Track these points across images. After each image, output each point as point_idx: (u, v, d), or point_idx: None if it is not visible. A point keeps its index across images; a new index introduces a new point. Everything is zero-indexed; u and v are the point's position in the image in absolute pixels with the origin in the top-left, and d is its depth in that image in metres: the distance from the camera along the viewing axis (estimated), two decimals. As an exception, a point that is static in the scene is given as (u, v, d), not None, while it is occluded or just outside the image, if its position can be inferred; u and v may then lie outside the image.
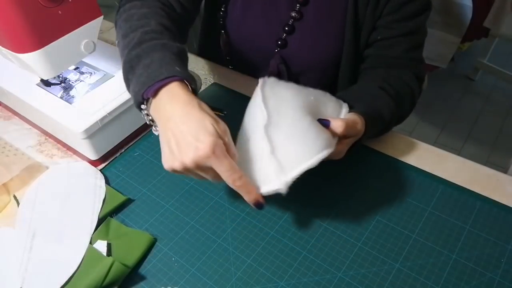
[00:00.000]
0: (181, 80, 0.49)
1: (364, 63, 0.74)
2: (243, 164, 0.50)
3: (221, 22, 0.79)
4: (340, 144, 0.54)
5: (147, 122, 0.53)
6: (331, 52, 0.74)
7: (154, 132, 0.54)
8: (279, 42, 0.74)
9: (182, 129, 0.45)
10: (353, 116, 0.55)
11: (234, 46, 0.80)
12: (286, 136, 0.48)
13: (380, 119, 0.60)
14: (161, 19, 0.59)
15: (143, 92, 0.49)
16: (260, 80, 0.53)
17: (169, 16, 0.63)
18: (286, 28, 0.73)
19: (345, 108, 0.57)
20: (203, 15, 0.86)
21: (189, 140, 0.45)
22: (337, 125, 0.52)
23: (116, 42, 0.61)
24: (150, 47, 0.52)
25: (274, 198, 0.59)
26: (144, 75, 0.50)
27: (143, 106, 0.51)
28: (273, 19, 0.74)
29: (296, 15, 0.72)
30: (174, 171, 0.47)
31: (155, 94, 0.49)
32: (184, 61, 0.55)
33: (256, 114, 0.50)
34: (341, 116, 0.56)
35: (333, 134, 0.52)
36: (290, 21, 0.73)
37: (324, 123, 0.52)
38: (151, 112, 0.51)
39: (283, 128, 0.49)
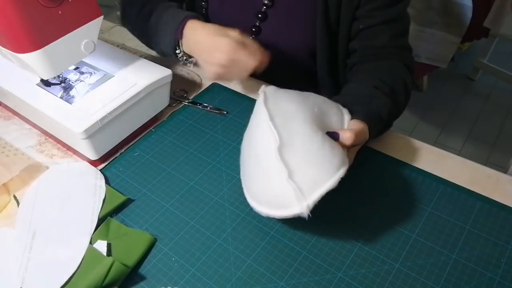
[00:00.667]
0: (192, 17, 0.70)
1: (352, 57, 0.74)
2: (255, 185, 0.50)
3: (204, 12, 0.82)
4: (348, 153, 0.54)
5: (182, 62, 0.74)
6: (303, 42, 0.76)
7: (189, 66, 0.76)
8: (253, 29, 0.77)
9: (208, 43, 0.66)
10: (358, 124, 0.55)
11: None
12: (302, 157, 0.48)
13: (380, 121, 0.60)
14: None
15: (173, 38, 0.70)
16: (261, 93, 0.53)
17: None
18: (259, 15, 0.75)
19: (346, 114, 0.57)
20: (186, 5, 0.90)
21: (214, 46, 0.64)
22: (347, 137, 0.52)
23: (129, 27, 0.82)
24: (159, 13, 0.72)
25: (274, 198, 0.59)
26: (167, 30, 0.70)
27: (177, 51, 0.71)
28: (248, 7, 0.76)
29: (268, 2, 0.74)
30: (219, 76, 0.67)
31: (181, 35, 0.69)
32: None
33: (265, 135, 0.49)
34: (344, 124, 0.56)
35: (342, 145, 0.52)
36: (263, 8, 0.75)
37: (334, 136, 0.51)
38: (185, 49, 0.71)
39: (297, 148, 0.48)
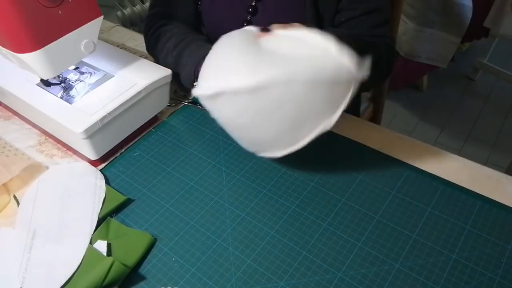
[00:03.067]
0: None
1: None
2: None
3: (199, 9, 0.84)
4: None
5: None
6: None
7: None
8: (244, 24, 0.77)
9: None
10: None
11: (208, 34, 0.85)
12: None
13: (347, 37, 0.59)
14: (181, 27, 0.77)
15: (193, 71, 0.68)
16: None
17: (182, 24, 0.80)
18: (250, 10, 0.77)
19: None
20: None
21: None
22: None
23: (155, 54, 0.79)
24: (185, 45, 0.72)
25: (274, 198, 0.59)
26: (189, 62, 0.69)
27: (195, 84, 0.64)
28: (238, 4, 0.78)
29: None
30: None
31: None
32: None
33: None
34: None
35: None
36: (253, 2, 0.76)
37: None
38: None
39: None
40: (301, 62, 0.49)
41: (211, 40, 0.86)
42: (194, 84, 0.66)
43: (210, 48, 0.63)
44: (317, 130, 0.53)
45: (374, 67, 0.61)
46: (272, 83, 0.49)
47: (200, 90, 0.55)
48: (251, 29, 0.57)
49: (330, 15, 0.73)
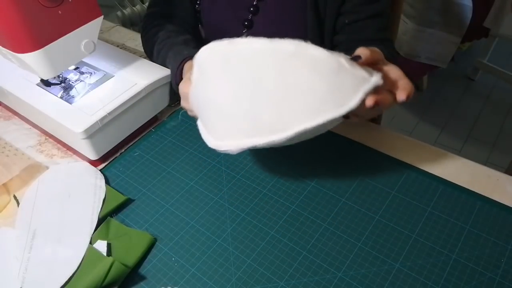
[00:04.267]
0: (189, 58, 0.66)
1: (337, 50, 0.75)
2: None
3: (199, 15, 0.84)
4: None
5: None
6: (295, 35, 0.76)
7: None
8: (246, 23, 0.78)
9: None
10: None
11: (207, 35, 0.86)
12: None
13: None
14: (167, 29, 0.76)
15: (174, 79, 0.68)
16: None
17: (177, 24, 0.79)
18: (251, 9, 0.77)
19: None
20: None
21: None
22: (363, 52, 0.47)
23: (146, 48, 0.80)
24: (165, 51, 0.72)
25: (274, 198, 0.59)
26: (172, 68, 0.69)
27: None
28: (239, 3, 0.78)
29: None
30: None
31: (180, 77, 0.67)
32: (189, 45, 0.72)
33: None
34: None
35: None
36: (254, 2, 0.76)
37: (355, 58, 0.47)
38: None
39: None
40: (323, 98, 0.44)
41: (212, 37, 0.86)
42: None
43: (187, 52, 0.67)
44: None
45: None
46: (301, 128, 0.45)
47: (222, 146, 0.50)
48: (221, 47, 0.49)
49: (331, 17, 0.73)
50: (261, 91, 0.46)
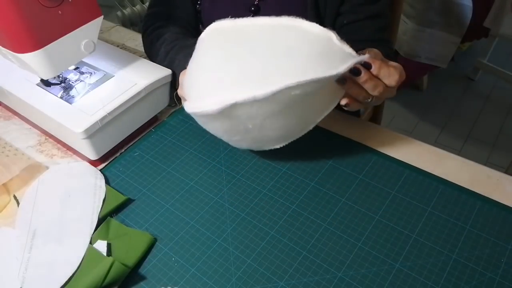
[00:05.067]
0: None
1: None
2: None
3: (200, 15, 0.84)
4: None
5: None
6: None
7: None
8: None
9: None
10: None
11: None
12: None
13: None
14: (173, 31, 0.76)
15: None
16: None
17: (179, 25, 0.79)
18: (252, 8, 0.77)
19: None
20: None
21: None
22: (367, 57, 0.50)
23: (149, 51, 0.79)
24: (174, 53, 0.71)
25: (274, 198, 0.59)
26: (178, 73, 0.66)
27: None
28: (239, 4, 0.79)
29: None
30: None
31: None
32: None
33: None
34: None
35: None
36: (255, 1, 0.77)
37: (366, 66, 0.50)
38: None
39: None
40: (310, 61, 0.48)
41: None
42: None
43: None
44: (321, 117, 0.54)
45: None
46: (286, 90, 0.47)
47: (201, 107, 0.52)
48: (222, 25, 0.53)
49: (331, 16, 0.74)
50: (251, 55, 0.49)
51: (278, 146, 0.58)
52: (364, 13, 0.71)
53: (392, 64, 0.53)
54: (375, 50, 0.54)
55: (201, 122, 0.58)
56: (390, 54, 0.73)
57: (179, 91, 0.62)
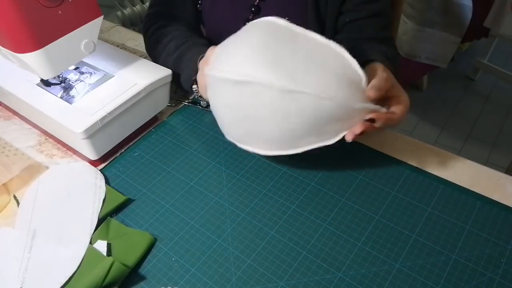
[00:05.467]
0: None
1: None
2: None
3: (200, 15, 0.84)
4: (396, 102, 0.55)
5: (196, 97, 0.72)
6: None
7: (202, 103, 0.75)
8: (247, 23, 0.77)
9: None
10: (374, 70, 0.56)
11: (209, 35, 0.86)
12: None
13: (386, 57, 0.63)
14: (181, 29, 0.77)
15: (193, 76, 0.68)
16: None
17: (181, 24, 0.80)
18: (252, 9, 0.77)
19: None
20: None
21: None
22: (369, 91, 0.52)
23: (151, 52, 0.80)
24: (186, 48, 0.72)
25: (274, 198, 0.59)
26: (189, 66, 0.69)
27: (194, 87, 0.70)
28: (240, 3, 0.78)
29: None
30: None
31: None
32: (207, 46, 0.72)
33: None
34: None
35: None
36: (256, 2, 0.77)
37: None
38: (199, 89, 0.68)
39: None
40: (337, 82, 0.50)
41: (212, 41, 0.87)
42: (193, 88, 0.69)
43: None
44: (315, 145, 0.54)
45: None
46: (305, 93, 0.49)
47: (221, 72, 0.54)
48: (278, 21, 0.56)
49: (332, 15, 0.74)
50: (290, 54, 0.52)
51: (259, 151, 0.57)
52: (367, 11, 0.71)
53: (401, 100, 0.56)
54: (385, 75, 0.55)
55: (211, 91, 0.58)
56: (394, 53, 0.73)
57: (201, 63, 0.65)
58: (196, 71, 0.67)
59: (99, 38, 0.64)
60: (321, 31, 0.76)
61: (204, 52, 0.66)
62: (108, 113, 0.61)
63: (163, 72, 0.69)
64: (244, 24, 0.79)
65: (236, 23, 0.80)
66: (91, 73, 0.70)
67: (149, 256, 0.54)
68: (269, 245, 0.54)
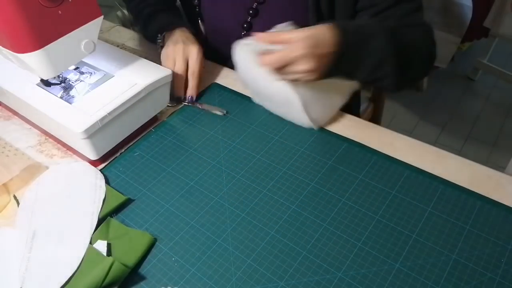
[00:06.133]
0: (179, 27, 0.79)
1: None
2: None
3: (197, 10, 0.85)
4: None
5: (158, 46, 0.81)
6: None
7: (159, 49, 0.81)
8: (245, 25, 0.79)
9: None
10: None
11: (207, 33, 0.87)
12: None
13: (361, 29, 0.61)
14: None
15: (163, 34, 0.80)
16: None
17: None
18: (251, 12, 0.78)
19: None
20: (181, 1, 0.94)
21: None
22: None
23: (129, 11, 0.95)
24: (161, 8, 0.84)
25: (274, 198, 0.59)
26: (164, 21, 0.81)
27: (159, 39, 0.80)
28: (239, 5, 0.79)
29: None
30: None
31: (169, 33, 0.79)
32: (177, 15, 0.87)
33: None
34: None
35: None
36: (254, 5, 0.77)
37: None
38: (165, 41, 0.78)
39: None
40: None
41: (211, 37, 0.89)
42: (158, 40, 0.80)
43: (179, 22, 0.80)
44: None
45: (414, 57, 0.64)
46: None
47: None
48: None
49: (342, 17, 0.71)
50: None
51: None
52: (384, 2, 0.67)
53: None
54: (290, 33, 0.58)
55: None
56: (429, 37, 0.69)
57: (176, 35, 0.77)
58: (168, 29, 0.78)
59: (99, 38, 0.64)
60: None
61: (182, 27, 0.77)
62: (108, 113, 0.61)
63: (163, 72, 0.69)
64: (243, 26, 0.79)
65: (235, 25, 0.80)
66: (91, 73, 0.70)
67: (149, 256, 0.54)
68: (269, 245, 0.54)
